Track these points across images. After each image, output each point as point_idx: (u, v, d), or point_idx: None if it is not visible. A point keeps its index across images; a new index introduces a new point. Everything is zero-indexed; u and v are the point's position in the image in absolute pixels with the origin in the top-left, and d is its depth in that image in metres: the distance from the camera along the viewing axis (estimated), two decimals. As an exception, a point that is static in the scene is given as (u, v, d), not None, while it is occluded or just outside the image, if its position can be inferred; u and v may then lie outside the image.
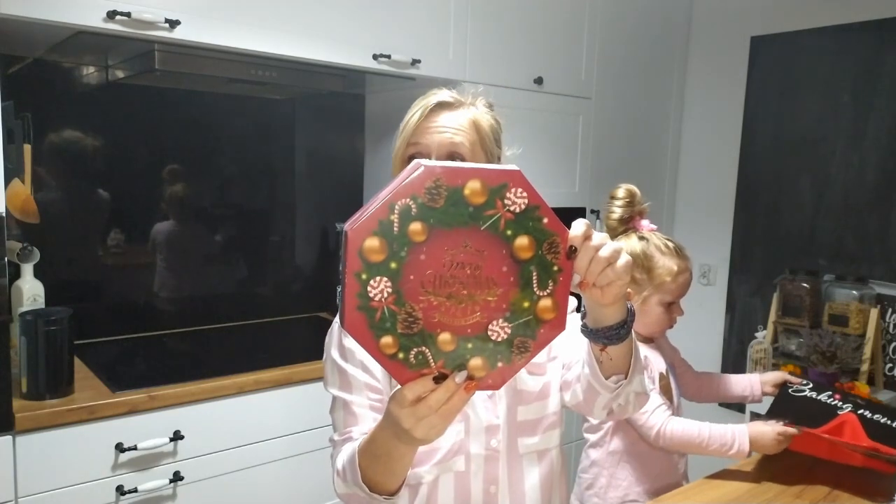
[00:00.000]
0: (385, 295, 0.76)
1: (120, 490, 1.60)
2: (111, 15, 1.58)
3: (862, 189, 2.53)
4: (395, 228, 0.74)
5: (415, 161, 0.75)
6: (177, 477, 1.68)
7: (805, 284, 2.56)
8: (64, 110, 1.99)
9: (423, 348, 0.79)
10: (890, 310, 2.47)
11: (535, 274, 0.78)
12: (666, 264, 1.52)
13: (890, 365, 2.48)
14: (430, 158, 1.05)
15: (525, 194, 0.76)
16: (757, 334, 2.70)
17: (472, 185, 0.75)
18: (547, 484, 1.17)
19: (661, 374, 1.56)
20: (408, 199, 0.74)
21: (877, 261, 2.50)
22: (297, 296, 2.49)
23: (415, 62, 2.08)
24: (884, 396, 2.40)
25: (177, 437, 1.67)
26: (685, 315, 1.63)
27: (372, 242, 0.74)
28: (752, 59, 2.81)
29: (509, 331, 0.79)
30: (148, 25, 1.64)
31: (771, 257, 2.79)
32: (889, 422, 1.50)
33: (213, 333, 2.26)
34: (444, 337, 0.79)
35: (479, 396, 1.12)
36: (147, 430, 1.64)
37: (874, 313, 2.41)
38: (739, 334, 2.90)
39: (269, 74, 1.95)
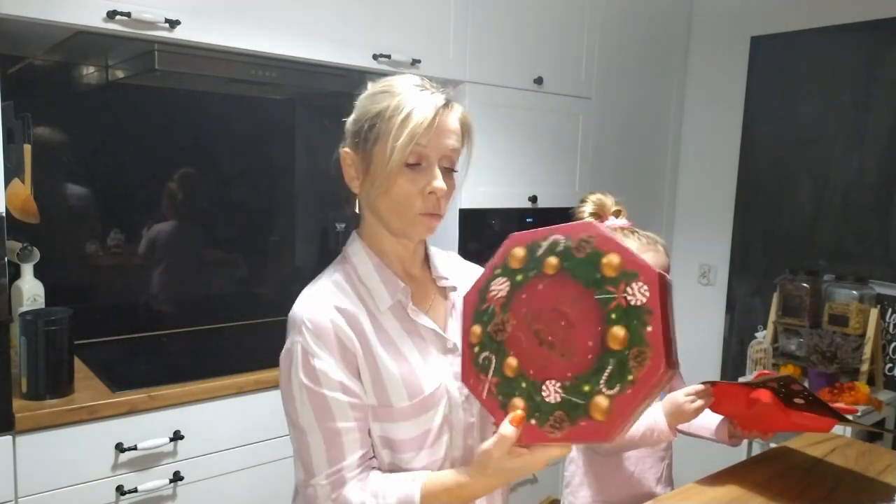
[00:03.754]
0: (499, 295, 0.88)
1: (120, 490, 1.60)
2: (111, 15, 1.58)
3: (862, 189, 2.53)
4: (540, 252, 0.85)
5: (588, 220, 0.85)
6: (177, 477, 1.68)
7: (805, 284, 2.56)
8: (64, 110, 1.99)
9: (492, 357, 0.88)
10: (890, 310, 2.47)
11: (610, 367, 0.79)
12: None
13: (890, 365, 2.48)
14: (431, 161, 0.98)
15: (648, 293, 0.77)
16: (757, 334, 2.70)
17: (612, 258, 0.80)
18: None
19: None
20: (561, 236, 0.84)
21: (877, 261, 2.50)
22: (296, 296, 2.48)
23: (415, 62, 2.08)
24: (884, 396, 2.40)
25: (177, 437, 1.67)
26: (685, 315, 1.62)
27: (519, 251, 0.87)
28: (752, 59, 2.81)
29: (560, 399, 0.82)
30: (148, 25, 1.64)
31: (771, 257, 2.79)
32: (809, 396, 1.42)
33: (213, 333, 2.25)
34: (512, 361, 0.86)
35: (459, 398, 1.06)
36: (147, 430, 1.64)
37: (874, 313, 2.41)
38: (739, 334, 2.90)
39: (269, 74, 1.95)
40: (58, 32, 1.65)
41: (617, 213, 1.54)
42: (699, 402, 1.36)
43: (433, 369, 1.03)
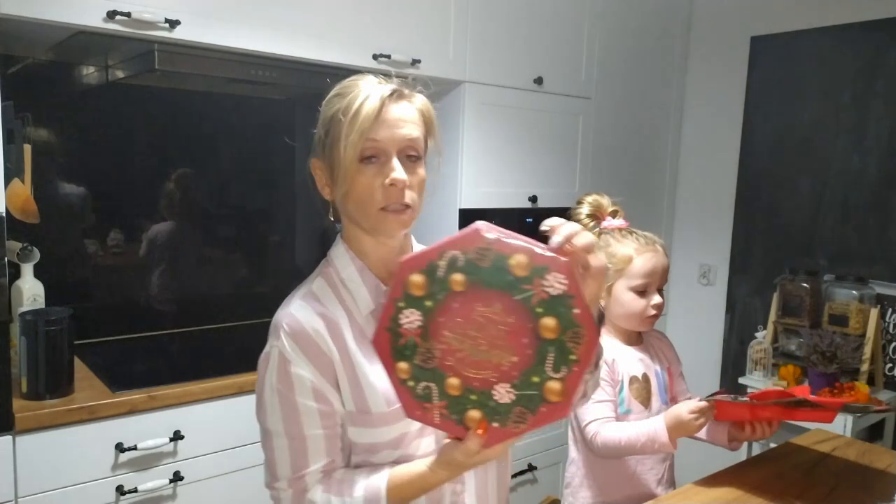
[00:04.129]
0: (414, 327, 0.85)
1: (120, 490, 1.60)
2: (111, 15, 1.58)
3: (862, 189, 2.53)
4: (440, 272, 0.83)
5: (477, 223, 0.81)
6: (177, 477, 1.68)
7: (805, 284, 2.56)
8: (64, 110, 1.99)
9: (432, 384, 0.86)
10: (890, 310, 2.47)
11: (552, 355, 0.81)
12: (622, 250, 1.51)
13: (890, 365, 2.48)
14: (389, 153, 0.97)
15: (565, 282, 0.79)
16: (757, 334, 2.70)
17: (519, 259, 0.80)
18: (503, 479, 1.16)
19: (632, 378, 1.53)
20: (458, 252, 0.82)
21: (877, 261, 2.50)
22: (297, 296, 2.49)
23: (415, 62, 2.08)
24: (884, 396, 2.40)
25: (177, 437, 1.67)
26: (685, 315, 1.63)
27: (417, 278, 0.84)
28: (752, 59, 2.81)
29: (513, 397, 0.83)
30: (148, 25, 1.64)
31: (771, 257, 2.79)
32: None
33: (213, 333, 2.25)
34: (453, 381, 0.85)
35: None
36: (147, 430, 1.64)
37: (874, 313, 2.41)
38: (739, 334, 2.90)
39: (269, 74, 1.95)
40: (58, 32, 1.65)
41: (614, 214, 1.55)
42: (702, 420, 1.39)
43: None
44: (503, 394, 0.84)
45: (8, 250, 1.53)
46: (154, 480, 1.64)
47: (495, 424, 0.85)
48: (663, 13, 2.87)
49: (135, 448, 1.61)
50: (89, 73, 2.04)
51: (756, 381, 2.59)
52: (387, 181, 0.96)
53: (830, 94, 2.60)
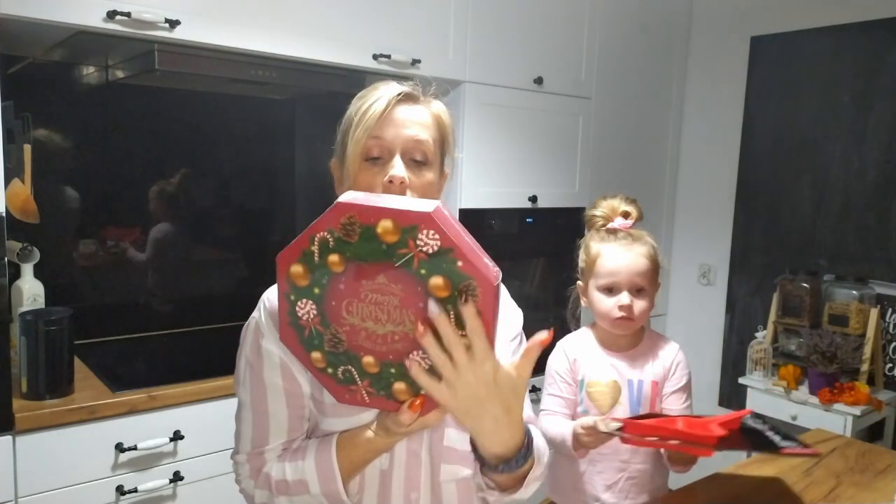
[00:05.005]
0: (311, 316, 0.83)
1: (120, 490, 1.60)
2: (111, 15, 1.58)
3: (862, 189, 2.53)
4: (316, 258, 0.79)
5: (340, 197, 0.77)
6: (177, 477, 1.68)
7: (805, 284, 2.56)
8: (64, 110, 1.99)
9: (350, 367, 0.85)
10: (890, 310, 2.47)
11: (452, 312, 0.78)
12: (593, 248, 1.50)
13: (890, 365, 2.48)
14: (393, 154, 0.97)
15: (437, 237, 0.75)
16: (757, 334, 2.70)
17: (384, 225, 0.76)
18: (465, 485, 1.06)
19: (593, 381, 1.51)
20: (325, 233, 0.78)
21: (877, 261, 2.50)
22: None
23: (415, 62, 2.08)
24: (884, 396, 2.40)
25: (177, 437, 1.67)
26: (685, 315, 1.61)
27: (297, 269, 0.80)
28: (752, 59, 2.82)
29: (429, 363, 0.81)
30: (148, 25, 1.64)
31: (771, 257, 2.79)
32: (774, 435, 1.34)
33: (213, 333, 2.25)
34: (369, 360, 0.83)
35: None
36: (147, 430, 1.64)
37: (874, 313, 2.41)
38: (739, 334, 2.90)
39: (269, 74, 1.95)
40: (58, 32, 1.65)
41: (626, 215, 1.53)
42: (590, 439, 1.37)
43: None
44: (419, 361, 0.81)
45: (8, 250, 1.53)
46: (154, 480, 1.64)
47: (422, 391, 0.84)
48: (663, 13, 2.87)
49: (135, 448, 1.61)
50: (89, 73, 2.04)
51: (756, 381, 2.59)
52: (385, 178, 0.95)
53: (830, 94, 2.60)
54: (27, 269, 1.76)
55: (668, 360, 1.56)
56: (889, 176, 2.46)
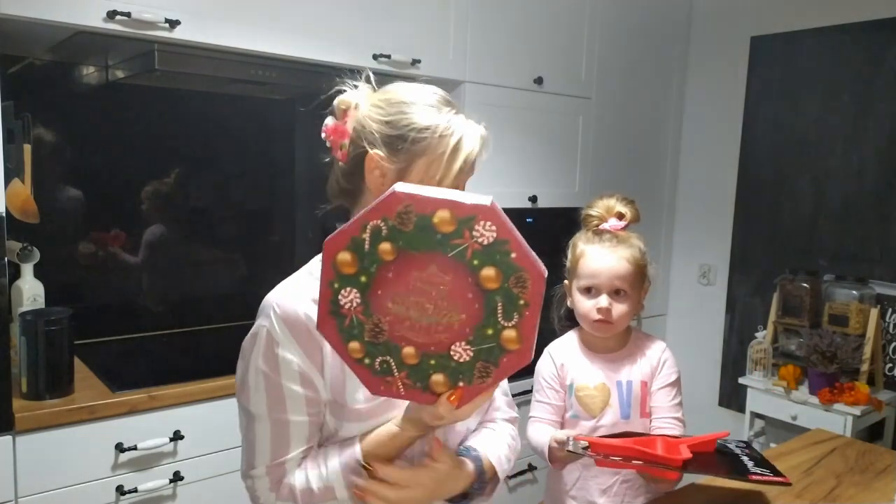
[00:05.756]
0: (354, 305, 0.82)
1: (120, 490, 1.60)
2: (111, 15, 1.58)
3: (862, 189, 2.53)
4: (366, 246, 0.80)
5: (394, 186, 0.79)
6: (177, 477, 1.68)
7: (805, 284, 2.56)
8: (64, 110, 1.99)
9: (388, 358, 0.84)
10: (890, 310, 2.47)
11: (500, 304, 0.79)
12: (578, 248, 1.50)
13: (890, 365, 2.48)
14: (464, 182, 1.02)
15: (494, 228, 0.77)
16: (757, 334, 2.70)
17: (441, 215, 0.77)
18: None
19: (581, 386, 1.51)
20: (379, 221, 0.79)
21: (877, 261, 2.50)
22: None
23: (415, 62, 2.08)
24: (884, 396, 2.40)
25: (177, 437, 1.67)
26: (685, 315, 1.60)
27: (344, 256, 0.80)
28: (752, 59, 2.82)
29: (472, 354, 0.82)
30: (148, 25, 1.64)
31: (771, 257, 2.79)
32: (748, 460, 1.34)
33: (213, 333, 2.25)
34: (409, 350, 0.83)
35: None
36: (147, 430, 1.64)
37: (874, 313, 2.41)
38: (739, 334, 2.90)
39: (269, 74, 1.95)
40: (58, 32, 1.65)
41: (620, 216, 1.52)
42: (561, 455, 1.39)
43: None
44: (461, 352, 0.82)
45: (8, 250, 1.53)
46: (154, 480, 1.64)
47: (461, 384, 0.84)
48: (663, 13, 2.87)
49: (135, 448, 1.61)
50: (89, 73, 2.04)
51: (756, 381, 2.59)
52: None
53: (830, 94, 2.60)
54: (27, 269, 1.76)
55: (655, 359, 1.55)
56: (889, 176, 2.46)
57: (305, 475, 0.98)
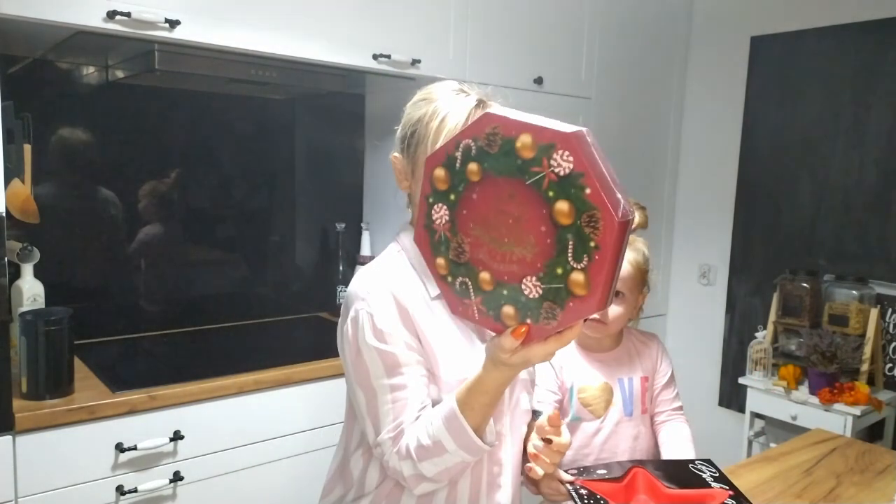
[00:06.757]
0: (443, 221, 0.84)
1: (120, 490, 1.60)
2: (111, 15, 1.58)
3: (862, 189, 2.53)
4: (458, 164, 0.81)
5: (485, 112, 0.81)
6: (177, 477, 1.68)
7: (805, 284, 2.56)
8: (64, 110, 1.99)
9: (467, 280, 0.85)
10: (890, 310, 2.47)
11: (571, 243, 0.76)
12: None
13: (890, 365, 2.48)
14: None
15: (571, 159, 0.75)
16: (757, 334, 2.70)
17: (524, 139, 0.77)
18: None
19: (583, 387, 1.51)
20: (470, 140, 0.80)
21: (877, 261, 2.50)
22: (297, 296, 2.49)
23: (415, 62, 2.08)
24: (884, 396, 2.40)
25: (177, 437, 1.67)
26: (685, 315, 1.60)
27: (440, 172, 0.83)
28: (752, 59, 2.81)
29: (541, 291, 0.80)
30: (148, 25, 1.64)
31: (771, 257, 2.79)
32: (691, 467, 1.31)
33: (213, 333, 2.25)
34: (485, 276, 0.84)
35: None
36: (147, 430, 1.64)
37: (874, 313, 2.41)
38: (739, 334, 2.90)
39: (269, 74, 1.95)
40: (58, 32, 1.65)
41: None
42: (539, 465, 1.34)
43: (476, 356, 1.04)
44: (531, 287, 0.80)
45: (8, 250, 1.53)
46: (154, 480, 1.64)
47: (529, 321, 0.82)
48: (663, 13, 2.87)
49: (135, 448, 1.61)
50: (89, 73, 2.04)
51: (756, 381, 2.59)
52: None
53: (830, 94, 2.60)
54: (27, 269, 1.76)
55: (654, 353, 1.57)
56: (889, 176, 2.46)
57: (417, 434, 1.03)
